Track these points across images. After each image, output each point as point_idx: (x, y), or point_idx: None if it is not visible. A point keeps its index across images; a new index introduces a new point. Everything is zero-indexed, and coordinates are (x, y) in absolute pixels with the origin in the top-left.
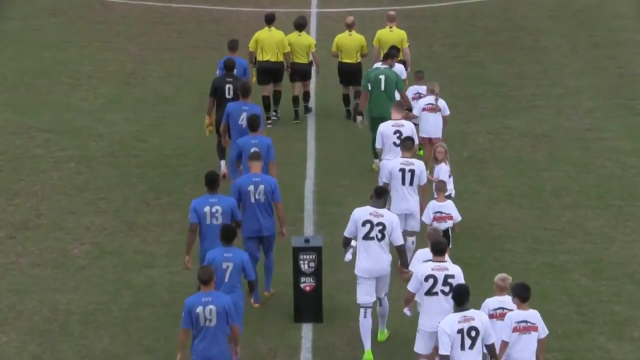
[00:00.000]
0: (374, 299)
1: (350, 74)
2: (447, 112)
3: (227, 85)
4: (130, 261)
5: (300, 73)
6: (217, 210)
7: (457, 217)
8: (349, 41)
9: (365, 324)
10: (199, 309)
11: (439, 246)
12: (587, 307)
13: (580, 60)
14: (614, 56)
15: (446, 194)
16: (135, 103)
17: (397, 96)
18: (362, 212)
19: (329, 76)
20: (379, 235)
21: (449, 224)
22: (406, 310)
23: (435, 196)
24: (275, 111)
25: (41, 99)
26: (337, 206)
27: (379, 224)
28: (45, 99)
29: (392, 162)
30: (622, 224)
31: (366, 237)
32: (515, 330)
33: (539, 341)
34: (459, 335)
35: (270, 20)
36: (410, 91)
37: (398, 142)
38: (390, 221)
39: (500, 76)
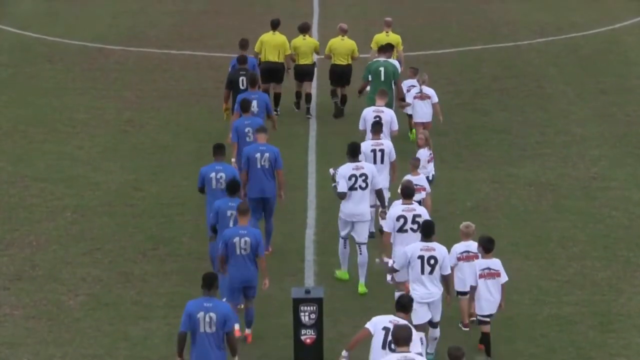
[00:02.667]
0: (349, 232)
1: (341, 75)
2: (436, 100)
3: (241, 78)
4: (127, 313)
5: (306, 73)
6: (221, 177)
7: (428, 189)
8: (341, 45)
9: (344, 252)
10: (236, 240)
11: (408, 190)
12: None
13: (586, 108)
14: (621, 103)
15: (426, 175)
16: (132, 151)
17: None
18: (346, 169)
19: (329, 121)
20: (363, 185)
21: (422, 194)
22: (384, 260)
23: (410, 172)
24: (276, 110)
25: (36, 147)
26: (338, 257)
27: (362, 174)
28: (41, 147)
29: (364, 144)
30: (630, 275)
31: (352, 188)
32: (480, 276)
33: (502, 285)
34: (419, 260)
35: (275, 25)
36: (405, 84)
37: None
38: (371, 170)
39: (505, 123)
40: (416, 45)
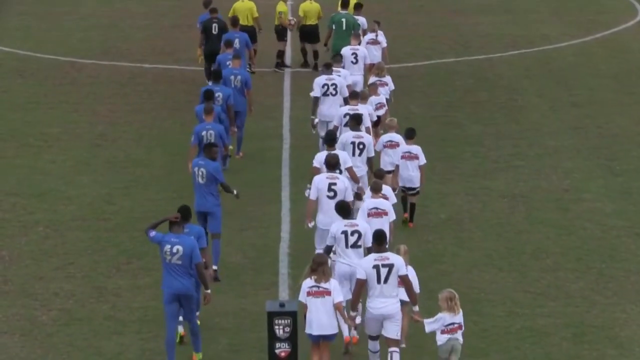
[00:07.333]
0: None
1: (310, 34)
2: (385, 45)
3: (214, 24)
4: (100, 328)
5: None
6: (219, 96)
7: (386, 106)
8: (311, 8)
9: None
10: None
11: (353, 93)
12: None
13: (558, 120)
14: (593, 115)
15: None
16: (105, 165)
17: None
18: (321, 78)
19: (302, 135)
20: (334, 92)
21: (382, 111)
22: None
23: (372, 94)
24: (249, 65)
25: (8, 161)
26: None
27: (332, 84)
28: (13, 161)
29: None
30: (603, 287)
31: (325, 94)
32: (402, 157)
33: (420, 167)
34: (352, 145)
35: None
36: (367, 36)
37: (355, 61)
38: (340, 81)
39: (478, 136)
40: (388, 58)
